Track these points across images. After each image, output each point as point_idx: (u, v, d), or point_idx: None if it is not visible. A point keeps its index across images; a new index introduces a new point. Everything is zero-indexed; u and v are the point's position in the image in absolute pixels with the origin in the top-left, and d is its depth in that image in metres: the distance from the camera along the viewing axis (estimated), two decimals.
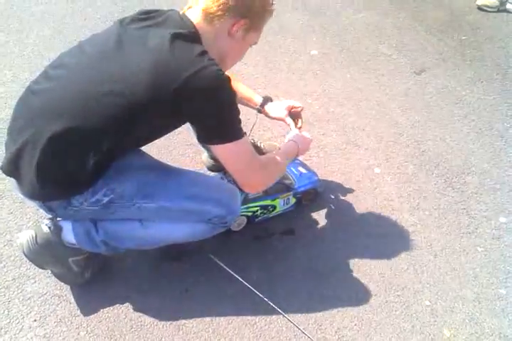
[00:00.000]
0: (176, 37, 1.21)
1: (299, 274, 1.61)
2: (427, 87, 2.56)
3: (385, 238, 1.75)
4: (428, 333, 1.47)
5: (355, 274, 1.62)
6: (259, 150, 1.78)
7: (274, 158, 1.48)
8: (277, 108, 1.72)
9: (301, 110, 1.76)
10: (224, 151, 1.30)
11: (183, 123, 1.37)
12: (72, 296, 1.49)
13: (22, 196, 1.33)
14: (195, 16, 1.28)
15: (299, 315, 1.49)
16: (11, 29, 2.78)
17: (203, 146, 1.85)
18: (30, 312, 1.44)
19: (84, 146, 1.24)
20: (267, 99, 1.74)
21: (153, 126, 1.31)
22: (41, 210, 1.37)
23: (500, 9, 3.37)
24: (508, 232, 1.79)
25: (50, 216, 1.41)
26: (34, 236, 1.39)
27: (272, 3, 1.37)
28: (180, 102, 1.19)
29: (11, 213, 1.72)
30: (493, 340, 1.46)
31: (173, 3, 2.60)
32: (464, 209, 1.88)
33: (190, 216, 1.39)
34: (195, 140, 2.03)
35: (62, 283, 1.51)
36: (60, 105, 1.22)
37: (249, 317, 1.47)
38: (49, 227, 1.40)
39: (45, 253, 1.40)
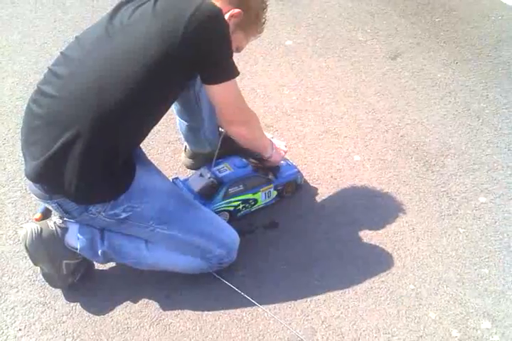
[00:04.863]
0: None
1: (283, 266, 1.61)
2: (402, 72, 2.56)
3: (368, 225, 1.75)
4: (414, 317, 1.48)
5: (339, 262, 1.62)
6: None
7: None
8: None
9: (285, 153, 1.77)
10: (222, 89, 1.32)
11: (190, 78, 1.37)
12: (56, 303, 1.48)
13: (38, 195, 1.33)
14: None
15: (285, 306, 1.49)
16: None
17: (186, 139, 1.85)
18: (15, 321, 1.44)
19: (110, 138, 1.26)
20: None
21: (166, 91, 1.33)
22: (54, 211, 1.39)
23: None
24: (489, 212, 1.80)
25: (59, 215, 1.42)
26: (39, 229, 1.39)
27: (265, 12, 1.43)
28: (189, 42, 1.20)
29: None
30: (478, 320, 1.47)
31: None
32: (444, 191, 1.89)
33: (195, 250, 1.45)
34: (173, 138, 2.06)
35: (46, 291, 1.51)
36: (80, 99, 1.22)
37: (236, 313, 1.47)
38: (56, 225, 1.42)
39: (44, 249, 1.40)
